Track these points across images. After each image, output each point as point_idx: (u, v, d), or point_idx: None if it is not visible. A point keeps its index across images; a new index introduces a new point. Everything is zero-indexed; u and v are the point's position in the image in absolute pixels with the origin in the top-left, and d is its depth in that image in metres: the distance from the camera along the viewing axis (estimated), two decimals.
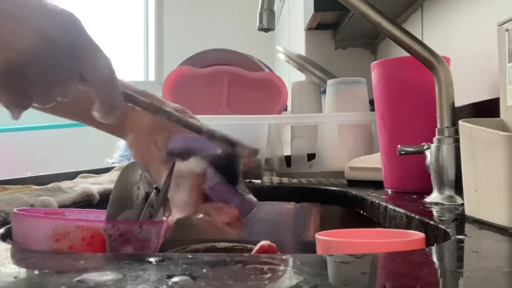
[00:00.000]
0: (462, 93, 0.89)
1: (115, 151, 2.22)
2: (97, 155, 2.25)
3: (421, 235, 0.48)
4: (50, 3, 0.48)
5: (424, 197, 0.73)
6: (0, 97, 0.47)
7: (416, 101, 0.84)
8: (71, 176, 1.12)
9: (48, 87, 0.47)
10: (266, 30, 0.96)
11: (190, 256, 0.36)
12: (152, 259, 0.34)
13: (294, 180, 1.19)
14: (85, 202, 0.76)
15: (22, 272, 0.34)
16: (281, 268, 0.34)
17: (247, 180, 1.15)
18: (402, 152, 0.77)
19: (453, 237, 0.45)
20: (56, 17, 0.47)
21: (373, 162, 1.01)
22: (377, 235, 0.52)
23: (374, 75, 0.89)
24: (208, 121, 1.13)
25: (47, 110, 0.54)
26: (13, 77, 0.45)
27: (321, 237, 0.49)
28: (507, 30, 0.54)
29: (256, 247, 0.63)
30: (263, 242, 0.62)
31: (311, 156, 1.20)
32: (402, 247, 0.45)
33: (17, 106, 0.47)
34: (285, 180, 1.21)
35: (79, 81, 0.48)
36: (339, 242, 0.48)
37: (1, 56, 0.45)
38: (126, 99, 0.53)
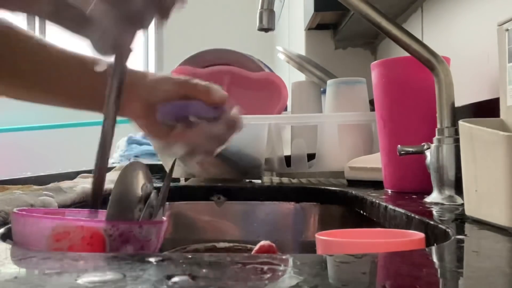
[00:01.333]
0: (462, 93, 0.89)
1: (115, 151, 2.21)
2: None
3: (421, 235, 0.48)
4: None
5: (424, 197, 0.73)
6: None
7: (416, 101, 0.83)
8: (71, 176, 1.11)
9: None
10: (266, 30, 0.96)
11: (190, 256, 0.36)
12: (152, 259, 0.34)
13: (294, 180, 1.19)
14: (85, 202, 0.76)
15: (22, 272, 0.34)
16: (281, 268, 0.34)
17: (247, 180, 1.15)
18: (402, 152, 0.77)
19: (453, 237, 0.45)
20: None
21: (373, 162, 1.01)
22: (377, 235, 0.52)
23: (374, 75, 0.89)
24: None
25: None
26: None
27: (321, 237, 0.49)
28: (507, 30, 0.54)
29: (256, 247, 0.63)
30: (263, 242, 0.62)
31: (311, 156, 1.20)
32: (402, 247, 0.45)
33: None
34: (285, 180, 1.21)
35: None
36: (339, 242, 0.48)
37: None
38: None
